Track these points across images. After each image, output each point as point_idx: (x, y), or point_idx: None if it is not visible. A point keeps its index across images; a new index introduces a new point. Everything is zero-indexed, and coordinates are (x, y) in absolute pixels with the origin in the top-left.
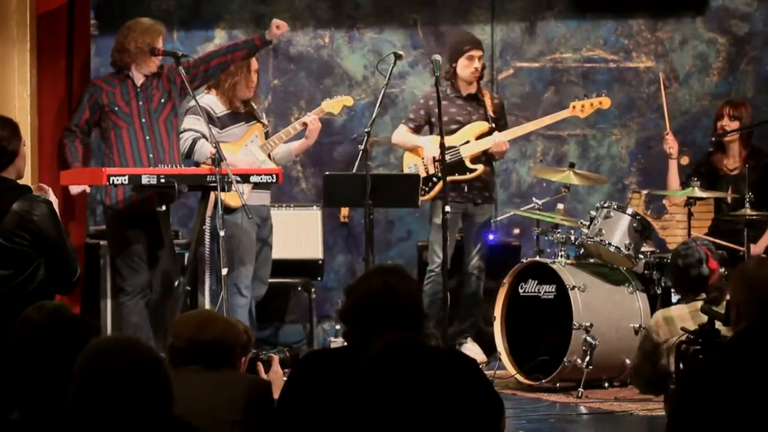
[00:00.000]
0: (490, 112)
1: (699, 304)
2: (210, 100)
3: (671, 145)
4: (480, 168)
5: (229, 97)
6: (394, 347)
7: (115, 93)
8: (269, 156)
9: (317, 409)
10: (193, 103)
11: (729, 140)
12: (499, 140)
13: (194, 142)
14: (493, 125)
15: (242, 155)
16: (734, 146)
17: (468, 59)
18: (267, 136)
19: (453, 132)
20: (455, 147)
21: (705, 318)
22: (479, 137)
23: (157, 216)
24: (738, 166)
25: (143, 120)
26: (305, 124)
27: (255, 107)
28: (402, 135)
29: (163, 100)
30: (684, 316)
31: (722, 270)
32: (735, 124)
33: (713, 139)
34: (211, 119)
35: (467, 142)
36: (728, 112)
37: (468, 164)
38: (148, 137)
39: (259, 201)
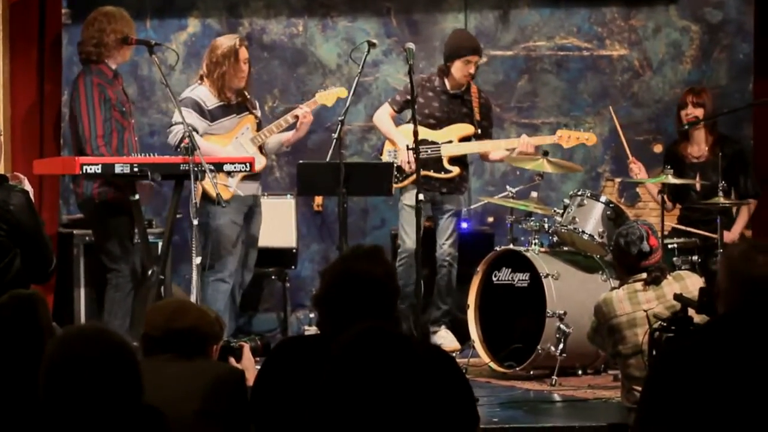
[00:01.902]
0: (476, 115)
1: (637, 285)
2: (201, 92)
3: (636, 171)
4: (455, 170)
5: (219, 88)
6: (365, 337)
7: (117, 91)
8: (260, 148)
9: (291, 396)
10: (183, 95)
11: (694, 128)
12: (527, 141)
13: (184, 135)
14: (479, 130)
15: (232, 148)
16: (700, 134)
17: (465, 63)
18: (259, 126)
19: (431, 126)
20: (437, 144)
21: (642, 299)
22: (462, 139)
23: (131, 205)
24: (704, 153)
25: (133, 121)
26: (297, 117)
27: (248, 97)
28: (383, 118)
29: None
30: (621, 297)
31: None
32: (699, 111)
33: (686, 127)
34: (202, 111)
35: (450, 141)
36: (692, 100)
37: (445, 164)
38: (136, 138)
39: (247, 191)
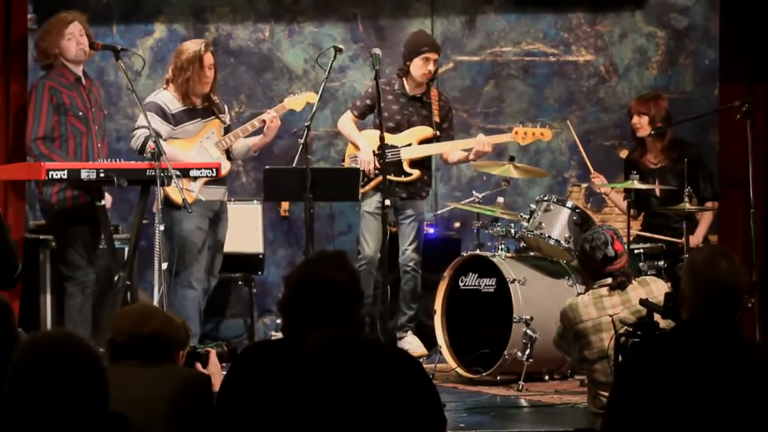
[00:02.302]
0: (436, 117)
1: (602, 290)
2: (165, 96)
3: (599, 185)
4: (416, 173)
5: (184, 93)
6: (332, 343)
7: (73, 96)
8: (227, 152)
9: (257, 402)
10: (147, 100)
11: (645, 136)
12: (484, 140)
13: (146, 139)
14: (438, 132)
15: (196, 152)
16: (654, 141)
17: (423, 60)
18: (228, 131)
19: (390, 130)
20: (396, 147)
21: (607, 304)
22: (422, 142)
23: (96, 211)
24: (660, 159)
25: (96, 127)
26: (264, 122)
27: (216, 102)
28: (346, 124)
29: (104, 112)
30: (587, 302)
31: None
32: (644, 120)
33: (653, 133)
34: (165, 116)
35: (409, 144)
36: (636, 109)
37: (405, 167)
38: (99, 145)
39: (212, 196)
